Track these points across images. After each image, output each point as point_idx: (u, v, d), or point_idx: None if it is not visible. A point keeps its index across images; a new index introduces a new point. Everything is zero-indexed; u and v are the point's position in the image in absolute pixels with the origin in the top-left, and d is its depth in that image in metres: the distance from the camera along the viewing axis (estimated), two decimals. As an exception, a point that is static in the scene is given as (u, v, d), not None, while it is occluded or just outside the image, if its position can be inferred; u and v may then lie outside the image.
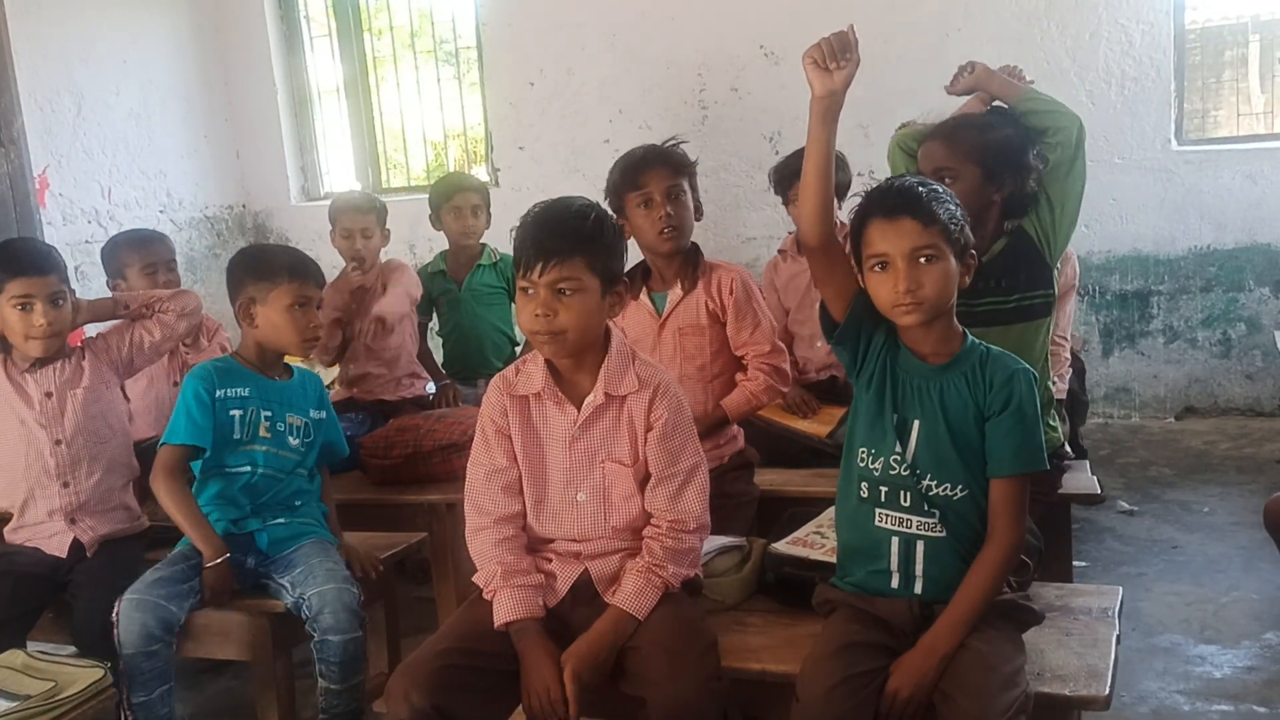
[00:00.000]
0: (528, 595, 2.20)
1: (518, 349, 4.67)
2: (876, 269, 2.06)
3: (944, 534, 2.06)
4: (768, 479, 3.24)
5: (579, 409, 2.25)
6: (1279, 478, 4.51)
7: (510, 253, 2.30)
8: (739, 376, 3.09)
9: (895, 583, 2.09)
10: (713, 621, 2.29)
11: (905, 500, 2.08)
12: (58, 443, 2.95)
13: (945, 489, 2.06)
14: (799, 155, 4.01)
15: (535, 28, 6.19)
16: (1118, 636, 2.18)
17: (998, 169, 2.71)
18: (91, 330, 3.30)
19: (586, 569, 2.26)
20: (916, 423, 2.08)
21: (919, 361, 2.10)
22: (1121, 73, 5.32)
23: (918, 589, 2.07)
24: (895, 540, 2.08)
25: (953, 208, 2.07)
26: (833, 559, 2.26)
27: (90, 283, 5.50)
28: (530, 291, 2.17)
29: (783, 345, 3.14)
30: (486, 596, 2.23)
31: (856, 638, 2.02)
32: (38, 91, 5.71)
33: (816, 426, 3.66)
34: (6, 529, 3.01)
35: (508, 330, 4.69)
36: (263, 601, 2.79)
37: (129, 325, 3.09)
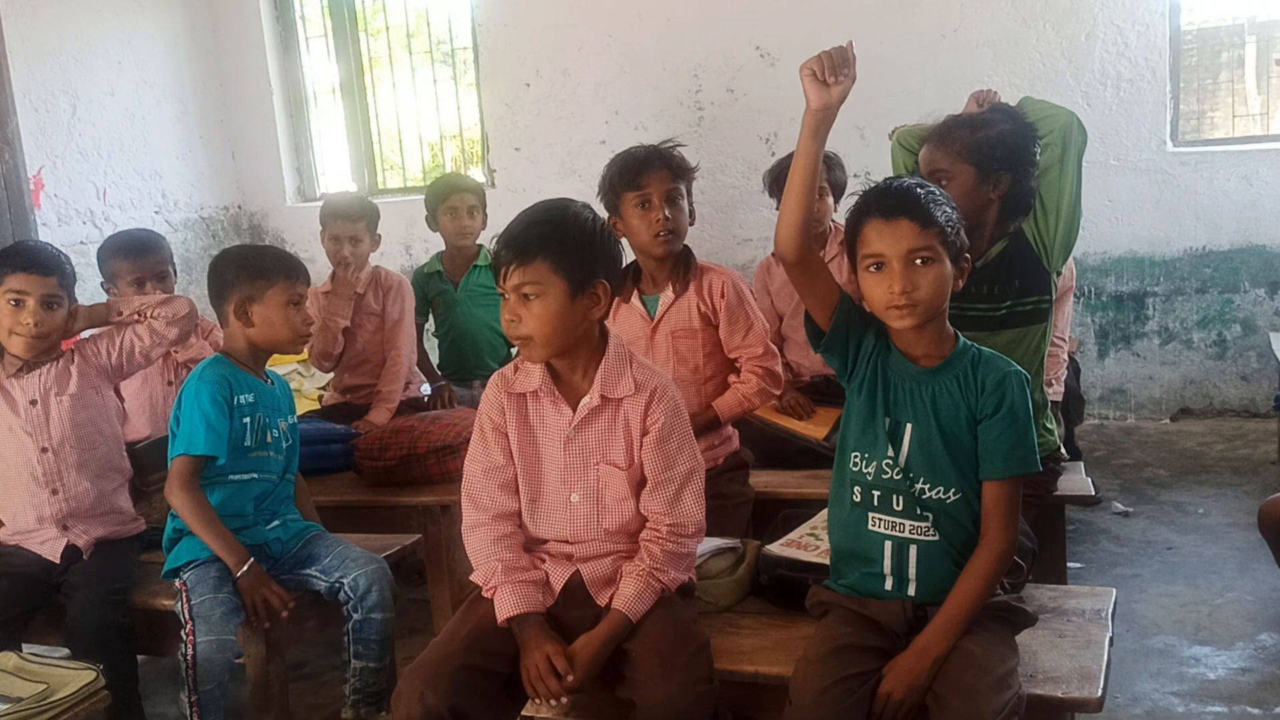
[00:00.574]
0: (529, 590, 2.20)
1: (513, 350, 4.66)
2: (871, 269, 2.04)
3: (937, 537, 2.06)
4: (763, 480, 3.25)
5: (575, 409, 2.25)
6: (1274, 479, 4.51)
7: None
8: (731, 378, 3.09)
9: (889, 585, 2.09)
10: (706, 623, 2.29)
11: (898, 504, 2.07)
12: (44, 450, 2.93)
13: (938, 492, 2.05)
14: (788, 158, 4.04)
15: (531, 29, 6.19)
16: (1111, 638, 2.18)
17: (992, 166, 2.69)
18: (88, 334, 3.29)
19: (578, 570, 2.26)
20: (909, 426, 2.07)
21: (910, 364, 2.09)
22: (1117, 74, 5.33)
23: (911, 591, 2.07)
24: (888, 544, 2.08)
25: (949, 210, 2.07)
26: (826, 561, 2.26)
27: (85, 284, 5.46)
28: (504, 297, 2.20)
29: (775, 348, 3.14)
30: (486, 594, 2.23)
31: (849, 640, 2.02)
32: (32, 92, 5.71)
33: (814, 428, 3.66)
34: (1, 533, 3.00)
35: (503, 331, 4.68)
36: (303, 586, 2.84)
37: (119, 330, 3.06)
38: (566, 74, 6.17)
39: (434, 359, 4.76)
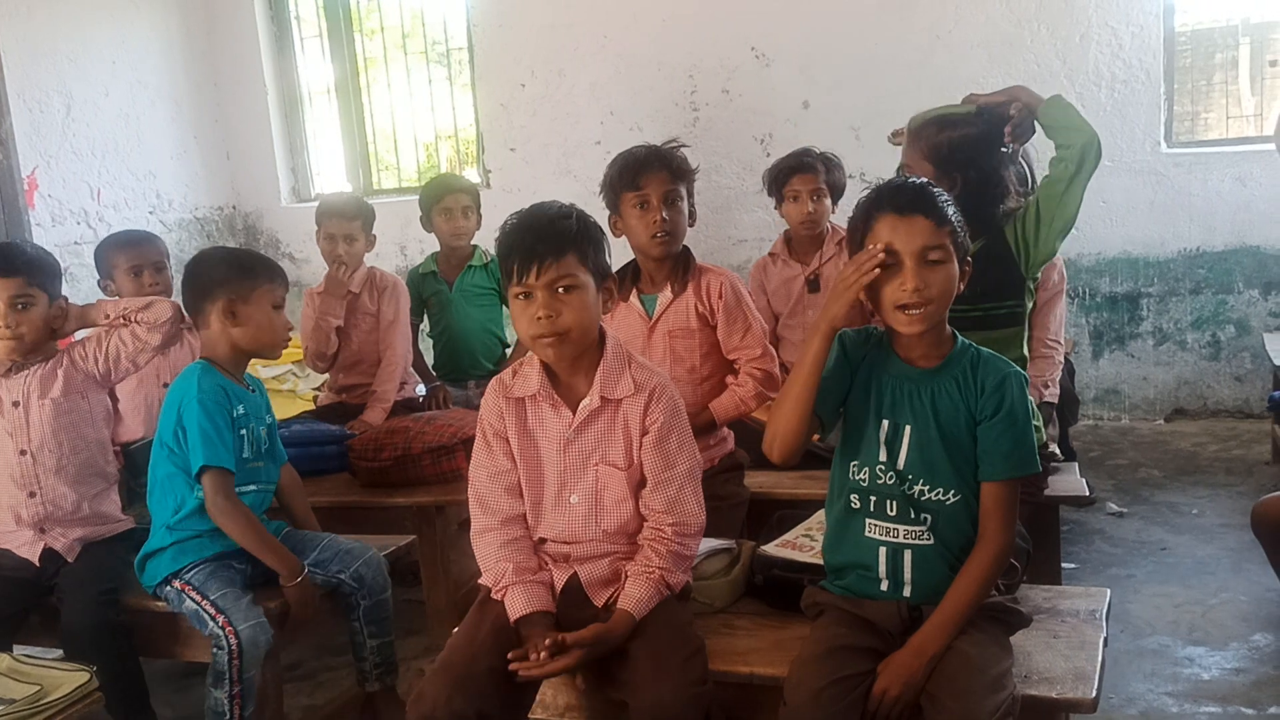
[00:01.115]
0: (540, 591, 2.21)
1: (508, 350, 4.67)
2: (881, 268, 2.01)
3: (931, 541, 2.05)
4: (758, 481, 3.24)
5: (574, 412, 2.25)
6: (1267, 480, 4.52)
7: (504, 254, 2.30)
8: (729, 379, 3.09)
9: (884, 587, 2.08)
10: (701, 624, 2.28)
11: (892, 509, 2.07)
12: (22, 453, 2.91)
13: (938, 493, 2.05)
14: (793, 156, 4.06)
15: (526, 29, 6.19)
16: (1105, 639, 2.19)
17: (948, 167, 2.71)
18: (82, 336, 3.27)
19: (576, 572, 2.26)
20: (908, 428, 2.06)
21: (909, 366, 2.09)
22: (1111, 75, 5.34)
23: (907, 593, 2.07)
24: (883, 550, 2.08)
25: (956, 211, 2.07)
26: (821, 561, 2.26)
27: (80, 284, 5.49)
28: (527, 296, 2.17)
29: (773, 351, 3.14)
30: (496, 595, 2.23)
31: (844, 640, 2.02)
32: (26, 92, 5.70)
33: (809, 428, 3.66)
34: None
35: (498, 332, 4.69)
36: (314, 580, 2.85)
37: (107, 334, 3.02)
38: (562, 74, 6.17)
39: (429, 360, 4.76)
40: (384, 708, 2.94)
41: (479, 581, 2.30)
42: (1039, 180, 2.97)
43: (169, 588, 2.74)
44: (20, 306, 2.89)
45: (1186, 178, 5.34)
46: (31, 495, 2.91)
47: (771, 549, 2.48)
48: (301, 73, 6.92)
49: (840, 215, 3.86)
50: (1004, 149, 2.79)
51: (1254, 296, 5.33)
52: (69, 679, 2.35)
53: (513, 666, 2.09)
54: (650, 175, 2.96)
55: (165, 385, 3.51)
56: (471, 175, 6.48)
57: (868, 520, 2.09)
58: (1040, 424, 2.91)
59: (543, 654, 2.06)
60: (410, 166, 6.99)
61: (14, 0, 5.64)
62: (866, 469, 2.09)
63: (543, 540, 2.31)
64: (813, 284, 4.03)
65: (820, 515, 2.38)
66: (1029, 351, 3.02)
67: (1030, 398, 2.84)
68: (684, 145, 3.09)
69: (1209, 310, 5.42)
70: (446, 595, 3.48)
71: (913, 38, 5.48)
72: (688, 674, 2.06)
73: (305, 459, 3.57)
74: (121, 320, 3.01)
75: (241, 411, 2.80)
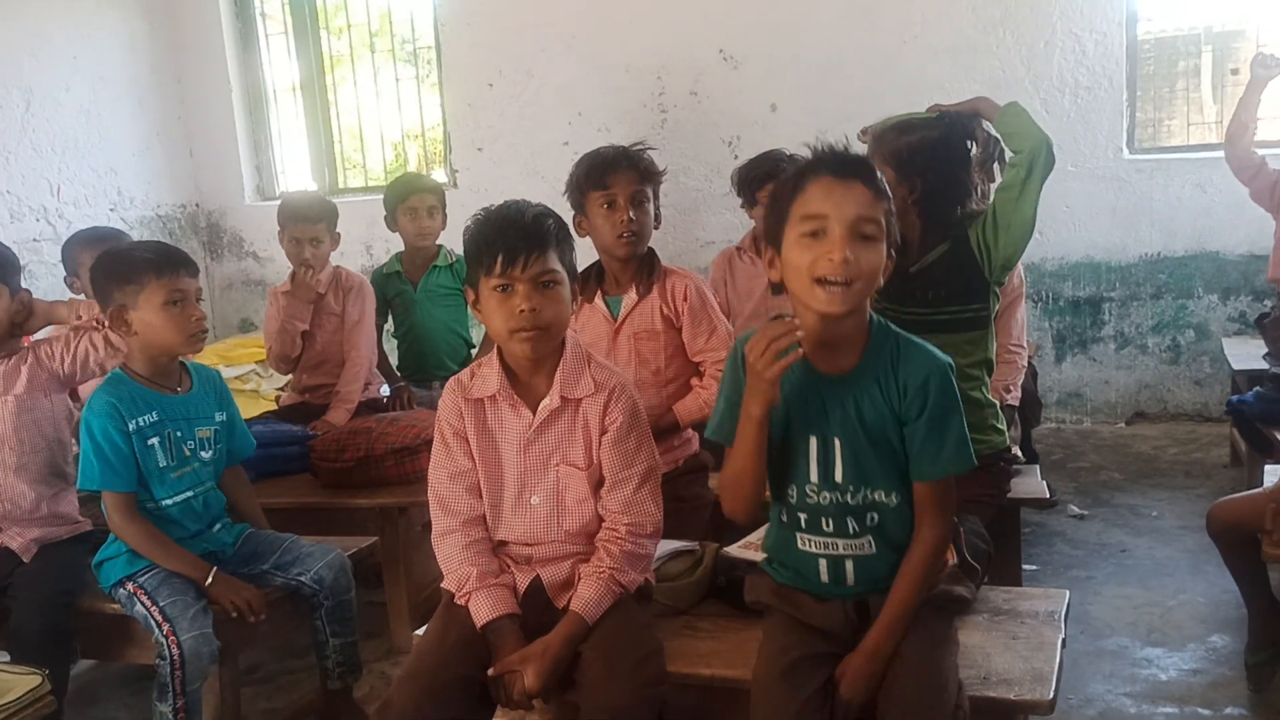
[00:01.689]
0: (504, 594, 2.20)
1: (473, 351, 4.65)
2: (807, 236, 1.87)
3: (874, 551, 2.01)
4: (722, 483, 3.24)
5: (534, 412, 2.24)
6: (1225, 482, 4.58)
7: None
8: (694, 381, 3.09)
9: (825, 583, 2.05)
10: (663, 626, 2.28)
11: (828, 526, 2.02)
12: None
13: (879, 495, 2.00)
14: (762, 159, 4.07)
15: (494, 29, 6.17)
16: (1063, 640, 2.19)
17: (907, 171, 2.73)
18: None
19: (538, 575, 2.24)
20: (838, 441, 1.98)
21: (826, 376, 1.98)
22: (1075, 82, 5.39)
23: (850, 588, 2.04)
24: (823, 562, 2.04)
25: (890, 194, 1.97)
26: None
27: (39, 282, 5.41)
28: (507, 289, 2.16)
29: (738, 353, 3.14)
30: (460, 601, 2.21)
31: (798, 652, 1.97)
32: (-15, 87, 5.62)
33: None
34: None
35: (463, 332, 4.67)
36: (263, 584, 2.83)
37: (76, 334, 2.95)
38: (530, 75, 6.15)
39: (393, 360, 4.73)
40: (343, 711, 2.91)
41: (442, 585, 2.28)
42: None
43: (122, 590, 2.71)
44: None
45: (1148, 184, 5.40)
46: None
47: (735, 550, 2.47)
48: (267, 69, 6.86)
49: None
50: (967, 153, 2.80)
51: (1213, 301, 5.40)
52: (21, 682, 2.31)
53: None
54: (618, 175, 2.95)
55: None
56: (439, 175, 6.45)
57: (801, 535, 2.05)
58: (1002, 426, 2.93)
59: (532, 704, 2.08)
60: (377, 165, 6.94)
61: (-28, -7, 5.56)
62: (795, 487, 2.03)
63: (503, 543, 2.29)
64: (776, 288, 4.03)
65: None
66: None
67: (989, 397, 2.89)
68: (651, 147, 3.09)
69: (1169, 315, 5.48)
70: (409, 597, 3.46)
71: (880, 42, 5.51)
72: (641, 675, 2.05)
73: (266, 459, 3.54)
74: (95, 324, 2.93)
75: (152, 420, 2.73)
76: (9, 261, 2.96)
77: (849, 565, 2.03)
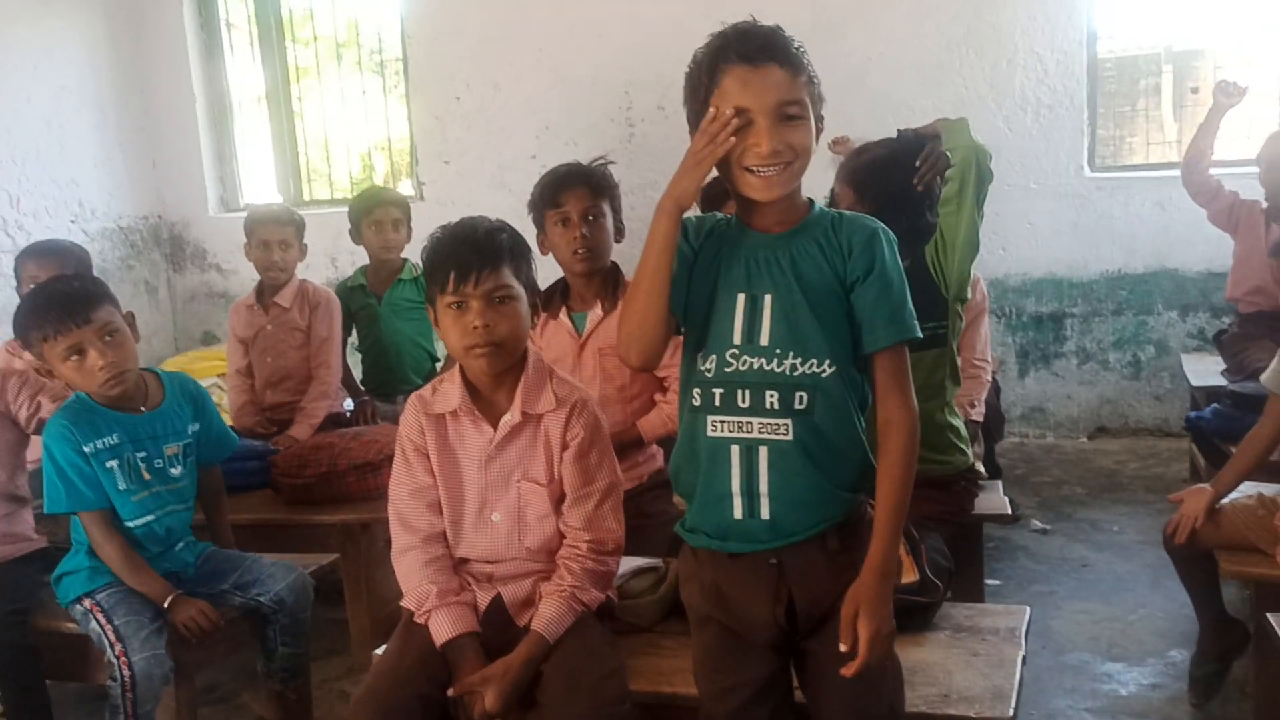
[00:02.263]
0: (464, 612, 2.18)
1: (438, 365, 4.62)
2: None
3: (790, 438, 1.79)
4: (686, 499, 3.23)
5: (495, 428, 2.23)
6: (1185, 497, 4.62)
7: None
8: (658, 397, 3.08)
9: (738, 512, 1.82)
10: (627, 644, 2.27)
11: (744, 400, 1.80)
12: None
13: (811, 365, 1.79)
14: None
15: (461, 42, 6.16)
16: (1024, 656, 2.21)
17: (863, 190, 2.78)
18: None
19: (500, 593, 2.23)
20: (768, 298, 1.81)
21: (762, 234, 1.84)
22: (1037, 100, 5.45)
23: (765, 513, 1.81)
24: (734, 450, 1.80)
25: (808, 56, 1.83)
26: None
27: (-4, 294, 5.34)
28: (461, 305, 2.15)
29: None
30: (420, 619, 2.19)
31: (746, 693, 1.88)
32: (-57, 96, 5.54)
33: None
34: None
35: (428, 346, 4.64)
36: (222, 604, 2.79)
37: (36, 386, 2.92)
38: (497, 88, 6.14)
39: (356, 374, 4.69)
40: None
41: (401, 604, 2.26)
42: None
43: (79, 606, 2.67)
44: None
45: (1109, 201, 5.46)
46: None
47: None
48: (231, 80, 6.80)
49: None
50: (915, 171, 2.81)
51: (1173, 318, 5.47)
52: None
53: None
54: (570, 192, 2.96)
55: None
56: (405, 188, 6.42)
57: (711, 419, 1.82)
58: (965, 446, 2.95)
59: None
60: (343, 177, 6.90)
61: (-69, 2, 5.48)
62: (714, 357, 1.82)
63: (464, 560, 2.28)
64: None
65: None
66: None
67: (951, 417, 2.90)
68: (611, 161, 3.09)
69: (1130, 331, 5.54)
70: (370, 615, 3.43)
71: (846, 59, 5.54)
72: (602, 694, 2.04)
73: (227, 474, 3.45)
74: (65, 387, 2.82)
75: (111, 442, 2.68)
76: None
77: (762, 463, 1.79)
